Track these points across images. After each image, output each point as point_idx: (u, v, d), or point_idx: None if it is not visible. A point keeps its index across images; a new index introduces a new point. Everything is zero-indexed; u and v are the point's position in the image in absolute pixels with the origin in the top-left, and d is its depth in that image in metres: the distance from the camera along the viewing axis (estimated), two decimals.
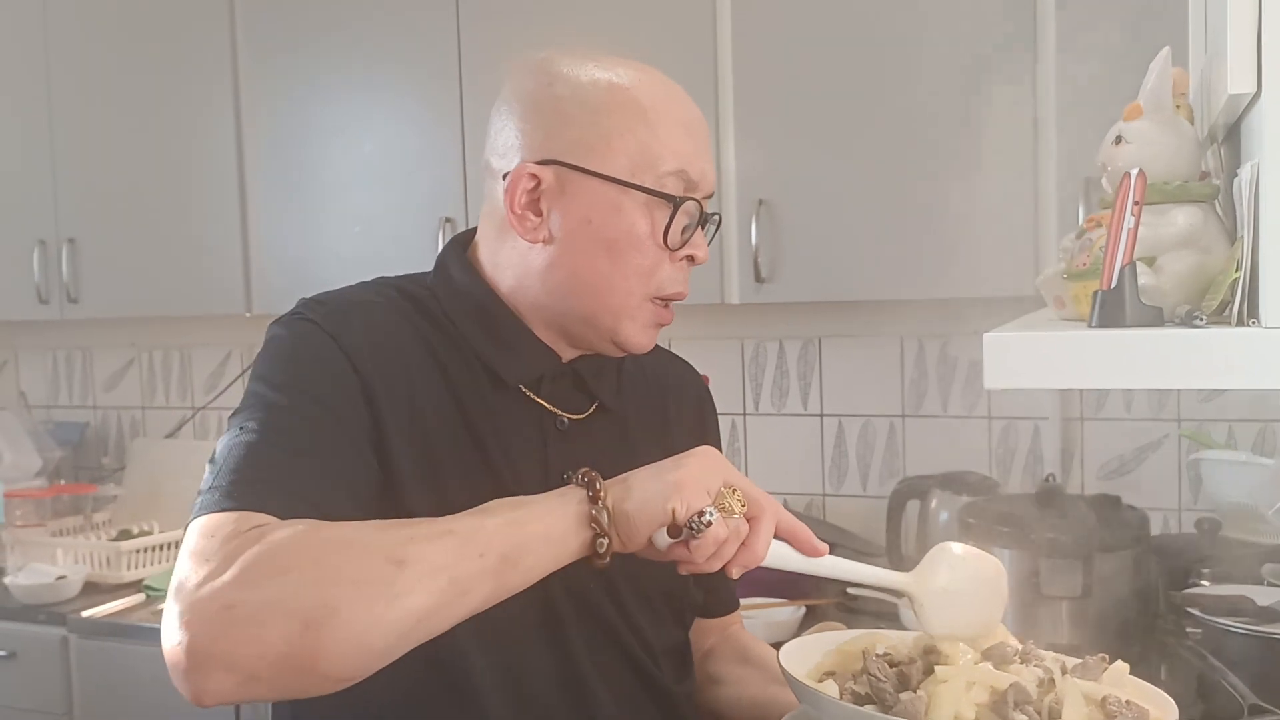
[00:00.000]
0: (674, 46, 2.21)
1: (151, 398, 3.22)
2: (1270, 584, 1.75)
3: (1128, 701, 0.93)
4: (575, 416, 1.17)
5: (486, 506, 0.97)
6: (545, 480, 1.10)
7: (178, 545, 2.64)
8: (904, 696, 0.93)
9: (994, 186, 2.01)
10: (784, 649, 1.06)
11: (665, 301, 1.12)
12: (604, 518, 0.96)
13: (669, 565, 1.05)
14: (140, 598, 2.51)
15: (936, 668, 0.96)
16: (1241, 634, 1.55)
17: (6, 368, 3.41)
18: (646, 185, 1.07)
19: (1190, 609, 1.64)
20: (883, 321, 2.42)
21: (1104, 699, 0.93)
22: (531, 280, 1.11)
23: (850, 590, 2.10)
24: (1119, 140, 0.96)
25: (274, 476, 0.96)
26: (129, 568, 2.58)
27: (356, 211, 2.52)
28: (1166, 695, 0.97)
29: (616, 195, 1.07)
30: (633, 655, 1.17)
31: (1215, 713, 1.55)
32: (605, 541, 0.96)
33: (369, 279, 1.19)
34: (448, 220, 2.40)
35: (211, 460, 1.00)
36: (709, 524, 0.95)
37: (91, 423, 3.29)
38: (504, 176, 1.10)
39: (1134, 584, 1.76)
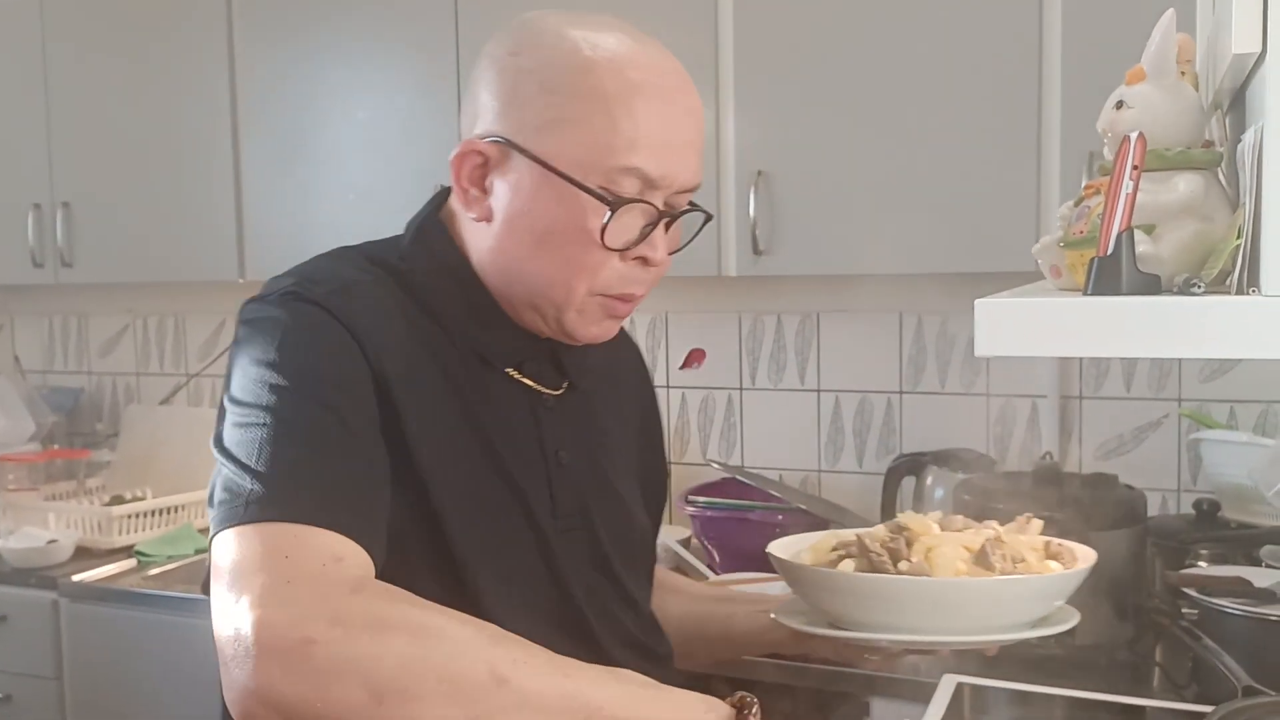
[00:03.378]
0: (674, 15, 2.17)
1: (146, 364, 3.20)
2: (1268, 566, 1.74)
3: (1059, 543, 1.16)
4: (555, 393, 1.15)
5: (618, 671, 0.92)
6: (543, 460, 1.11)
7: (170, 511, 2.65)
8: (903, 565, 1.08)
9: (996, 160, 1.98)
10: (771, 548, 1.20)
11: (619, 297, 1.07)
12: None
13: (647, 528, 1.20)
14: (132, 563, 2.49)
15: (922, 537, 1.12)
16: (1238, 615, 1.54)
17: (1, 332, 3.39)
18: (588, 183, 1.00)
19: (1186, 590, 1.63)
20: (882, 296, 2.40)
21: (1046, 544, 1.17)
22: (484, 258, 1.08)
23: None
24: (1120, 105, 0.93)
25: (324, 484, 0.91)
26: (121, 533, 2.57)
27: (351, 179, 2.49)
28: (1084, 546, 1.18)
29: (556, 186, 1.01)
30: (637, 640, 1.18)
31: (1209, 694, 1.54)
32: None
33: (335, 250, 1.13)
34: (443, 188, 2.37)
35: (226, 453, 0.93)
36: None
37: (86, 388, 3.28)
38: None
39: (1130, 564, 1.75)
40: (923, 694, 1.62)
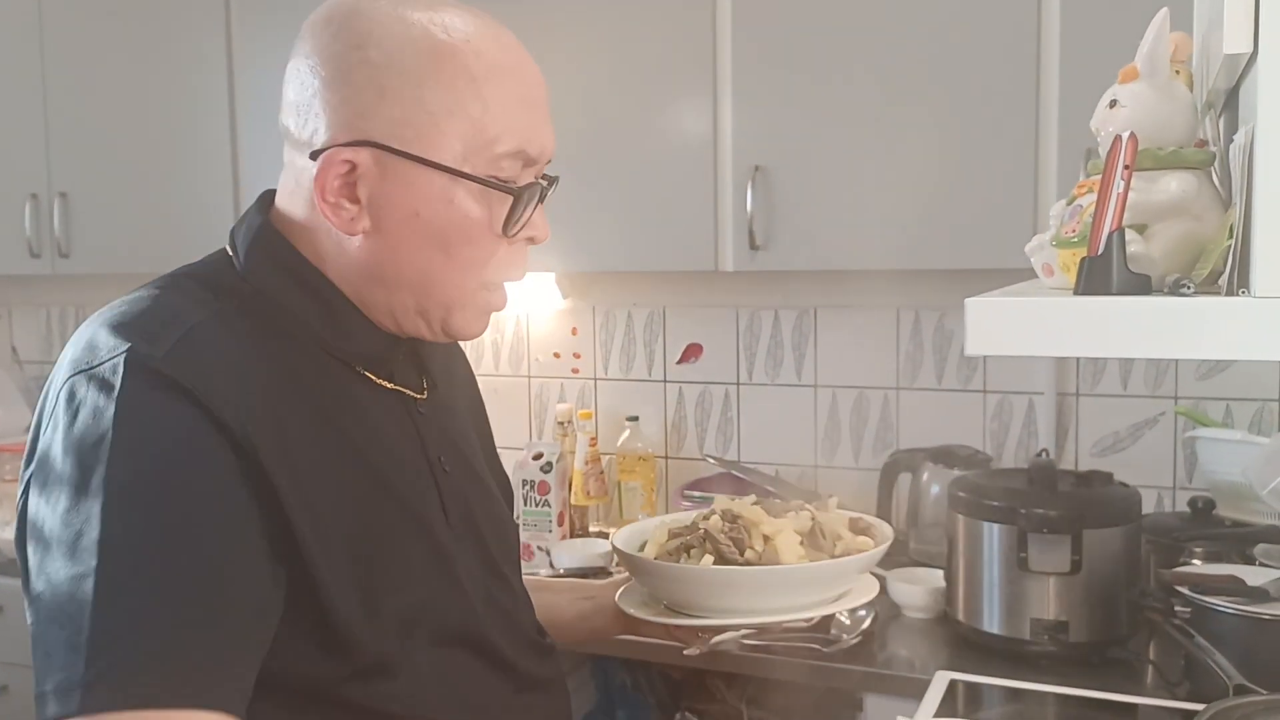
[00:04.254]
0: (672, 9, 2.17)
1: None
2: (1262, 564, 1.74)
3: (863, 518, 1.31)
4: (421, 397, 1.10)
5: None
6: (429, 471, 1.06)
7: None
8: (749, 555, 1.18)
9: (994, 156, 1.98)
10: (615, 539, 1.31)
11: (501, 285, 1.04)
12: None
13: (514, 524, 1.22)
14: None
15: (759, 525, 1.21)
16: (1230, 614, 1.54)
17: None
18: (481, 174, 0.95)
19: (1179, 587, 1.63)
20: (879, 292, 2.40)
21: (852, 521, 1.29)
22: (353, 271, 0.99)
23: None
24: (1113, 103, 0.93)
25: (168, 646, 0.81)
26: None
27: None
28: (880, 520, 1.32)
29: (448, 185, 0.95)
30: (532, 639, 1.19)
31: (1201, 691, 1.54)
32: None
33: (163, 281, 1.00)
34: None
35: (49, 603, 0.81)
36: None
37: None
38: (311, 155, 0.95)
39: (1123, 561, 1.75)
40: (916, 690, 1.63)
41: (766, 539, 1.20)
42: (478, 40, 0.95)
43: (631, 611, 1.26)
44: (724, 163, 2.16)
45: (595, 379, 2.70)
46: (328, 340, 1.00)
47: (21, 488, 0.90)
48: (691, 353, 2.60)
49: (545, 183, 1.02)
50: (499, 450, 1.30)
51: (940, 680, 1.62)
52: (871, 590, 1.27)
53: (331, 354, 1.00)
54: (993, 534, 1.77)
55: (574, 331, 2.71)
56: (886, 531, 1.29)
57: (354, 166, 0.94)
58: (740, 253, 2.16)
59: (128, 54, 2.69)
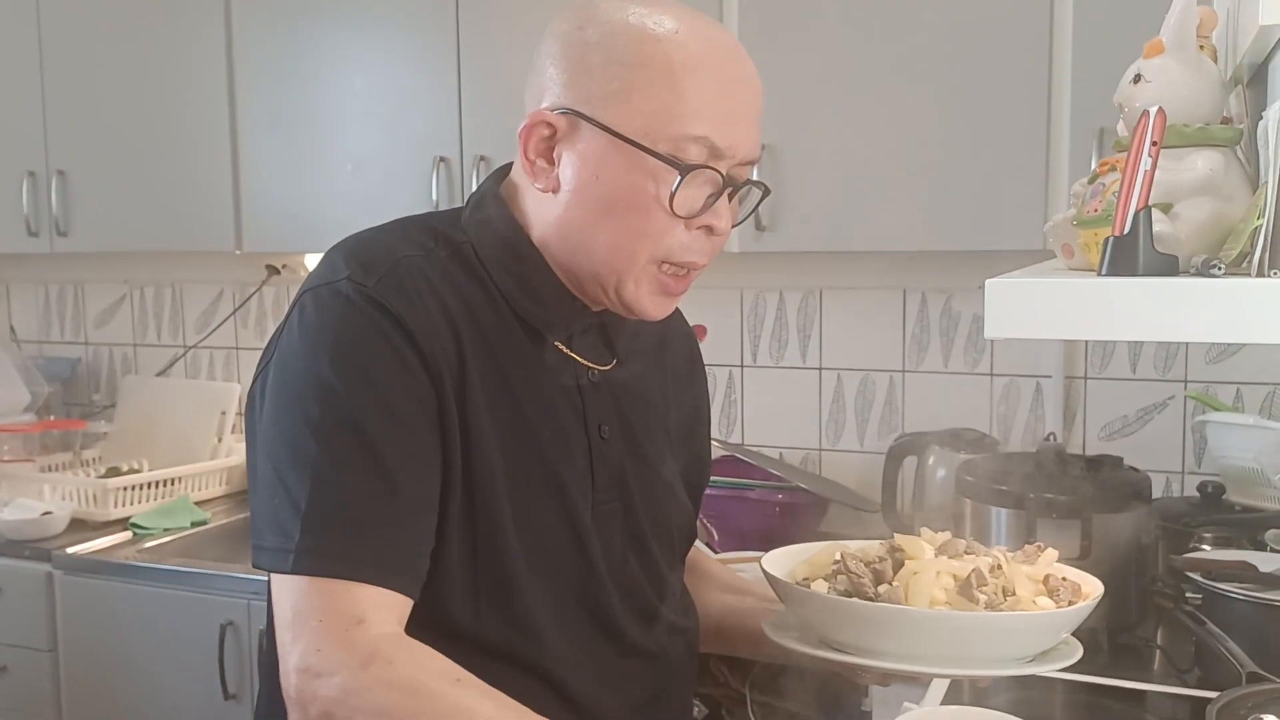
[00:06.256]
0: None
1: (143, 335, 3.17)
2: (1273, 550, 1.72)
3: (1064, 578, 1.10)
4: (602, 369, 1.17)
5: None
6: (584, 435, 1.13)
7: (166, 484, 2.64)
8: (882, 589, 1.06)
9: (1004, 137, 1.95)
10: (765, 558, 1.18)
11: (680, 268, 1.08)
12: None
13: (686, 508, 1.25)
14: (126, 535, 2.47)
15: (906, 561, 1.09)
16: (1242, 600, 1.52)
17: None
18: (657, 149, 1.01)
19: (1190, 573, 1.61)
20: (886, 273, 2.38)
21: (1046, 577, 1.11)
22: (549, 230, 1.09)
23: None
24: (1138, 79, 0.91)
25: (362, 532, 0.99)
26: (116, 505, 2.55)
27: (348, 149, 2.46)
28: (1093, 576, 1.13)
29: (624, 153, 1.02)
30: (660, 614, 1.21)
31: (1212, 679, 1.52)
32: None
33: (402, 219, 1.15)
34: (441, 160, 2.35)
35: (277, 471, 1.00)
36: None
37: (82, 358, 3.25)
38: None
39: (1133, 546, 1.73)
40: (923, 676, 1.61)
41: (910, 578, 1.07)
42: (687, 37, 1.03)
43: (777, 638, 1.16)
44: None
45: None
46: (515, 298, 1.10)
47: (258, 373, 1.08)
48: (694, 334, 2.57)
49: (739, 180, 1.07)
50: None
51: None
52: (1061, 659, 1.09)
53: (516, 311, 1.10)
54: (1001, 518, 1.75)
55: None
56: (1088, 592, 1.10)
57: (554, 130, 1.05)
58: (746, 233, 2.14)
59: (126, 31, 2.65)
